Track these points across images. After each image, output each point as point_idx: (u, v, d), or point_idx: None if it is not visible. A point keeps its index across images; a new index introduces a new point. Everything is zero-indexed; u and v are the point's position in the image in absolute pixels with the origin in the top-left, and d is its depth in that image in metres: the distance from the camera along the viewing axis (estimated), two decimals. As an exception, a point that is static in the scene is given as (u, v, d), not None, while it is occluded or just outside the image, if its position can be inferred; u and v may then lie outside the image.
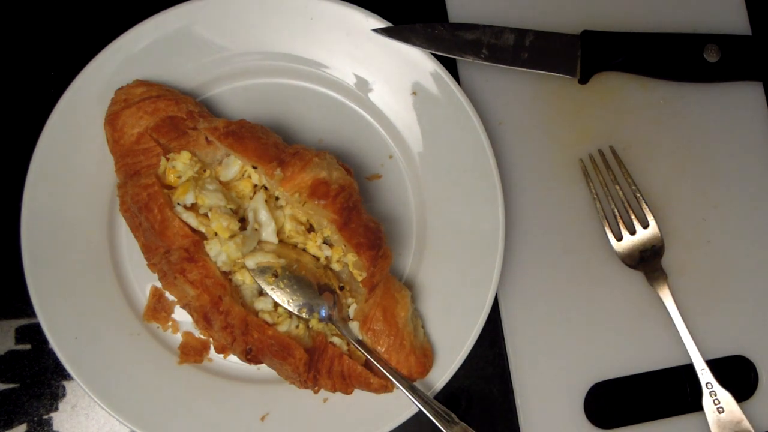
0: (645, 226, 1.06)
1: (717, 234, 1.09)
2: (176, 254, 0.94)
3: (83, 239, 1.01)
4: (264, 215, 0.97)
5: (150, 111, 0.97)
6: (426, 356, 0.98)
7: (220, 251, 0.95)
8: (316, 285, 0.97)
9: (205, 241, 0.95)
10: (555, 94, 1.10)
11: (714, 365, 1.05)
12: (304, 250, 0.99)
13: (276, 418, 0.99)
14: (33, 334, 1.06)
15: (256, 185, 0.99)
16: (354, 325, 0.99)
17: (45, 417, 1.05)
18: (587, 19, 1.11)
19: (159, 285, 1.01)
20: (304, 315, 0.96)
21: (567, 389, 1.05)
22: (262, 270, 0.96)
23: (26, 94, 1.10)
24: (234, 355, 0.97)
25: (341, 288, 0.98)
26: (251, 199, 0.98)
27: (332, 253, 0.98)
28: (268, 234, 0.97)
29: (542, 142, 1.09)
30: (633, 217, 1.07)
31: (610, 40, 1.06)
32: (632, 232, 1.06)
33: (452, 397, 1.06)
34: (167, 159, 0.97)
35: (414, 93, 1.04)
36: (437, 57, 1.04)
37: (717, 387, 1.02)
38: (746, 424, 1.02)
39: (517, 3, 1.11)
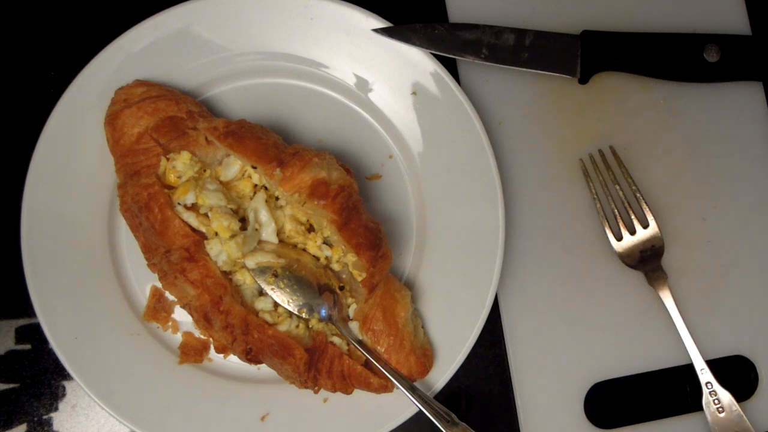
0: (645, 226, 1.06)
1: (717, 234, 1.09)
2: (176, 254, 0.94)
3: (83, 239, 1.01)
4: (264, 215, 0.97)
5: (150, 111, 0.97)
6: (426, 356, 0.98)
7: (220, 251, 0.95)
8: (316, 285, 0.97)
9: (205, 241, 0.95)
10: (555, 94, 1.10)
11: (714, 365, 1.05)
12: (304, 250, 0.99)
13: (276, 418, 0.99)
14: (33, 334, 1.06)
15: (256, 185, 0.99)
16: (354, 325, 0.99)
17: (45, 417, 1.05)
18: (587, 19, 1.11)
19: (159, 285, 1.01)
20: (304, 315, 0.96)
21: (567, 389, 1.05)
22: (262, 270, 0.96)
23: (26, 94, 1.10)
24: (234, 355, 0.97)
25: (341, 288, 0.98)
26: (251, 199, 0.98)
27: (332, 253, 0.98)
28: (268, 234, 0.97)
29: (542, 142, 1.09)
30: (633, 217, 1.07)
31: (610, 40, 1.06)
32: (632, 232, 1.06)
33: (452, 397, 1.06)
34: (167, 159, 0.97)
35: (414, 93, 1.04)
36: (437, 57, 1.04)
37: (717, 387, 1.02)
38: (746, 424, 1.02)
39: (517, 3, 1.11)
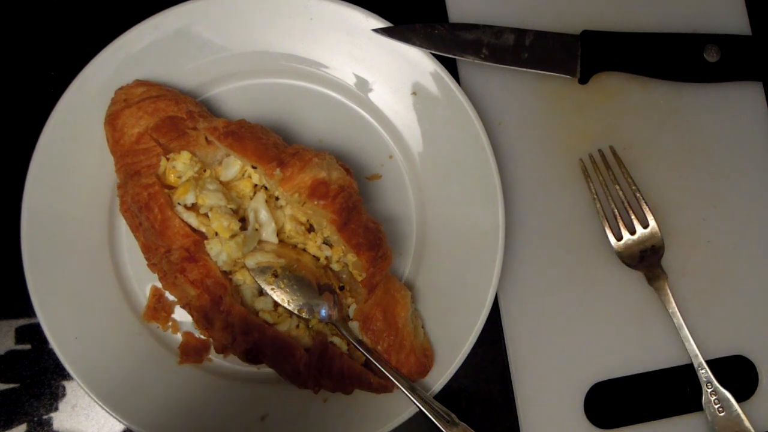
0: (645, 226, 1.06)
1: (717, 234, 1.09)
2: (177, 254, 0.94)
3: (83, 239, 1.01)
4: (264, 215, 0.97)
5: (150, 111, 0.97)
6: (426, 356, 0.98)
7: (220, 251, 0.95)
8: (316, 285, 0.97)
9: (205, 241, 0.95)
10: (555, 94, 1.10)
11: (714, 365, 1.05)
12: (304, 250, 0.99)
13: (276, 418, 0.99)
14: (33, 334, 1.06)
15: (256, 185, 0.99)
16: (354, 325, 0.99)
17: (45, 417, 1.05)
18: (587, 19, 1.11)
19: (159, 285, 1.01)
20: (304, 315, 0.96)
21: (567, 389, 1.05)
22: (262, 270, 0.96)
23: (26, 94, 1.10)
24: (234, 355, 0.97)
25: (341, 288, 0.98)
26: (251, 199, 0.98)
27: (332, 253, 0.98)
28: (268, 234, 0.97)
29: (542, 142, 1.09)
30: (633, 217, 1.07)
31: (610, 40, 1.06)
32: (632, 232, 1.06)
33: (452, 397, 1.06)
34: (167, 159, 0.97)
35: (414, 93, 1.04)
36: (437, 57, 1.03)
37: (717, 387, 1.03)
38: (746, 424, 1.02)
39: (517, 3, 1.11)
